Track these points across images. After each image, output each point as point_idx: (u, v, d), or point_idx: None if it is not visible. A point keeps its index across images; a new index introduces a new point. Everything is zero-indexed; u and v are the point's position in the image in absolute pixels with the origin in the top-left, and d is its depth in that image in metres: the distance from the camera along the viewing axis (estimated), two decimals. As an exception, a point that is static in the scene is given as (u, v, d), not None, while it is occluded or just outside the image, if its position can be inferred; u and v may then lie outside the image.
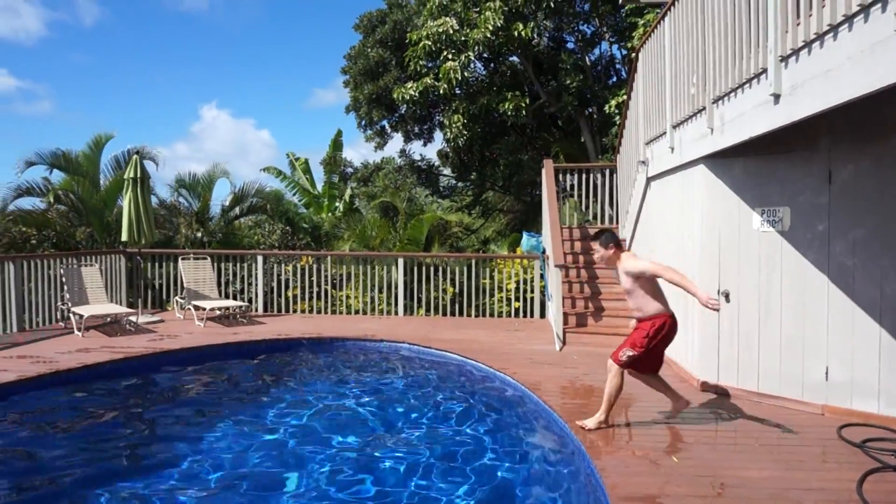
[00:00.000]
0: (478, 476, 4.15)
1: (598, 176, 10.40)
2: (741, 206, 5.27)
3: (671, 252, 6.55)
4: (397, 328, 8.70)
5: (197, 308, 9.05)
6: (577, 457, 4.25)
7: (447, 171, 18.00)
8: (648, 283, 4.50)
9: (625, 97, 11.62)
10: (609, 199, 10.29)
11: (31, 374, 5.84)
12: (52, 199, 13.04)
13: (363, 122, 16.26)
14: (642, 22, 11.96)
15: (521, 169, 15.04)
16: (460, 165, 16.67)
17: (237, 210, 15.25)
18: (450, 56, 12.97)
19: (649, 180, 7.52)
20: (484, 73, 15.41)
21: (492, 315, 10.22)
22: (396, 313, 10.16)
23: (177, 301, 9.81)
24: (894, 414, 4.54)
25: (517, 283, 10.22)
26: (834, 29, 3.39)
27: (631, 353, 4.51)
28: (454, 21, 12.97)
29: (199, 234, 13.64)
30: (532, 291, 10.01)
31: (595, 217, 10.94)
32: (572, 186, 11.17)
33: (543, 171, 9.95)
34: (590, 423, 4.54)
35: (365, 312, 10.36)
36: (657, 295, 4.54)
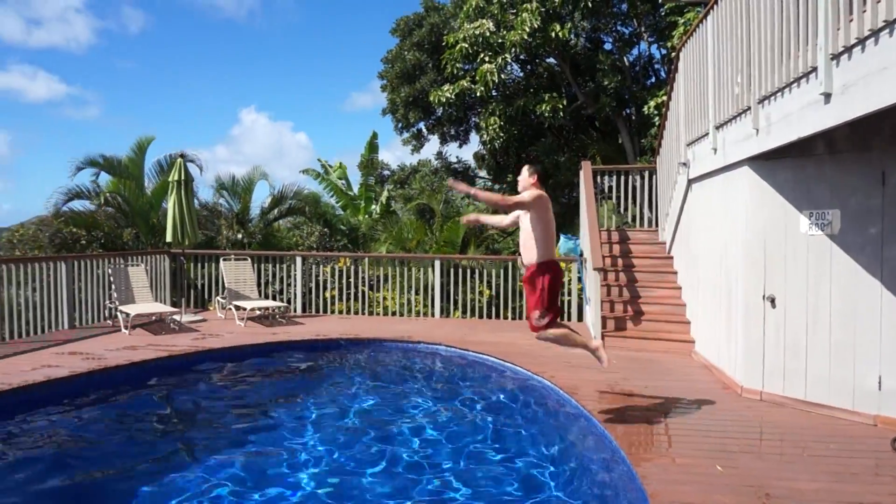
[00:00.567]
0: (513, 478, 4.13)
1: (637, 178, 10.26)
2: (787, 208, 5.13)
3: (714, 256, 6.41)
4: (434, 330, 8.72)
5: (238, 308, 9.24)
6: (616, 462, 4.19)
7: (483, 173, 17.98)
8: (546, 225, 4.60)
9: (664, 98, 11.43)
10: (648, 202, 10.14)
11: (82, 371, 6.05)
12: (100, 202, 13.48)
13: (400, 125, 16.37)
14: (682, 21, 11.76)
15: (558, 171, 14.92)
16: (496, 167, 16.63)
17: (276, 212, 15.51)
18: (486, 58, 12.97)
19: (690, 182, 7.39)
20: (520, 74, 15.37)
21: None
22: (433, 315, 10.19)
23: (218, 301, 10.03)
24: (952, 425, 4.36)
25: (554, 285, 10.12)
26: (890, 25, 3.28)
27: (542, 313, 4.72)
28: (491, 23, 12.96)
29: (240, 236, 13.92)
30: (569, 295, 9.92)
31: (634, 220, 10.79)
32: (610, 188, 11.04)
33: (581, 172, 9.85)
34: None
35: (401, 314, 10.42)
36: (551, 241, 4.67)
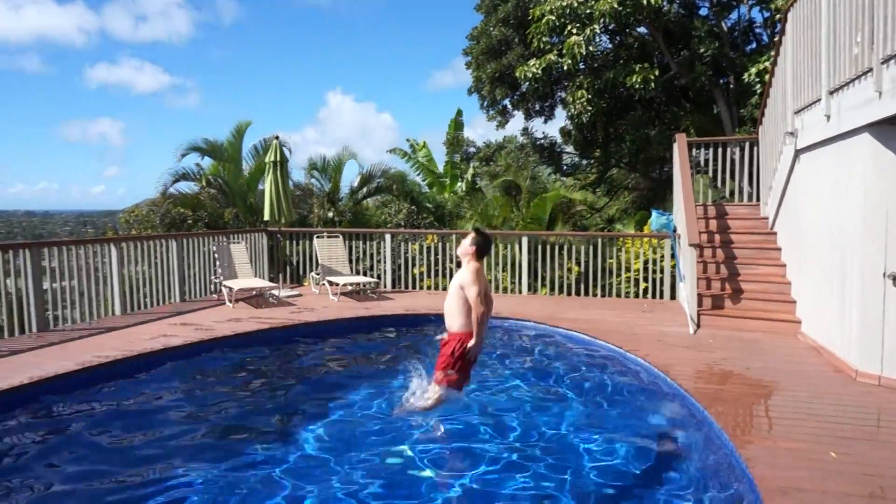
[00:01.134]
0: (606, 457, 4.09)
1: (736, 150, 9.72)
2: (914, 178, 4.71)
3: (825, 232, 6.01)
4: (522, 306, 8.71)
5: (331, 283, 9.59)
6: (716, 444, 4.06)
7: (570, 148, 17.59)
8: (474, 299, 4.51)
9: (768, 63, 10.72)
10: (748, 175, 9.60)
11: (194, 340, 6.50)
12: (203, 183, 14.31)
13: (486, 102, 16.25)
14: (790, -21, 10.91)
15: (649, 144, 14.36)
16: (583, 142, 16.21)
17: (364, 190, 15.90)
18: (574, 30, 12.59)
19: (798, 153, 6.92)
20: (609, 46, 14.82)
21: (618, 295, 9.95)
22: (520, 292, 10.17)
23: (312, 277, 10.45)
24: None
25: (645, 262, 9.85)
26: None
27: (450, 373, 4.58)
28: (579, -7, 12.54)
29: (331, 214, 14.39)
30: (661, 272, 9.61)
31: (732, 194, 10.26)
32: (706, 162, 10.53)
33: (676, 145, 9.45)
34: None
35: (488, 291, 10.45)
36: (468, 312, 4.56)
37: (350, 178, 18.83)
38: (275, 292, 9.44)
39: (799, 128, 6.84)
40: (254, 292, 9.43)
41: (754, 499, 3.17)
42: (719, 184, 10.27)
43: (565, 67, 12.94)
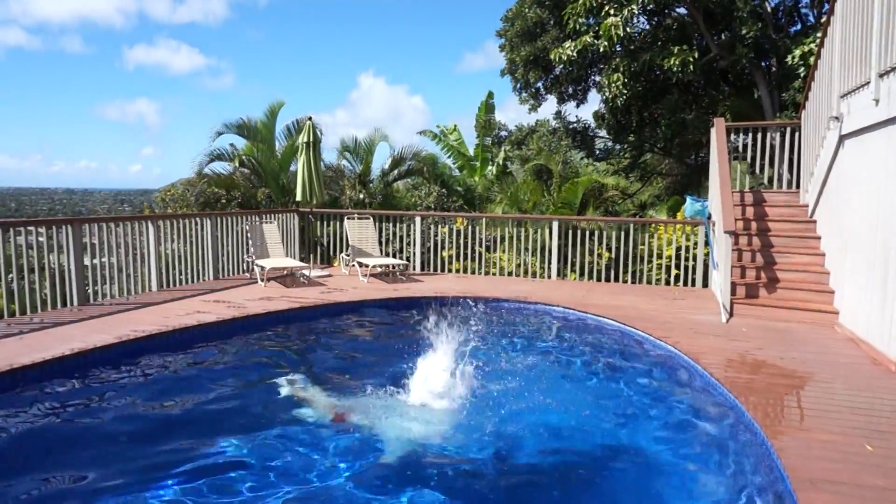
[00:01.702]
0: (643, 446, 4.06)
1: (777, 136, 9.45)
2: (966, 166, 4.52)
3: (869, 220, 5.82)
4: (551, 292, 8.66)
5: (361, 264, 9.66)
6: (747, 433, 4.00)
7: (603, 132, 17.32)
8: None
9: (813, 45, 10.37)
10: (788, 162, 9.33)
11: (228, 317, 6.63)
12: (237, 164, 14.49)
13: (519, 85, 16.06)
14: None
15: (685, 129, 14.04)
16: (617, 127, 15.93)
17: (395, 173, 15.91)
18: (611, 11, 12.32)
19: (842, 138, 6.70)
20: (647, 27, 14.48)
21: (648, 282, 9.82)
22: (549, 276, 10.11)
23: (343, 257, 10.54)
24: None
25: (677, 249, 9.69)
26: None
27: None
28: (617, -27, 12.25)
29: (362, 196, 14.45)
30: (693, 259, 9.44)
31: (770, 181, 9.99)
32: (744, 147, 10.27)
33: (713, 130, 9.22)
34: None
35: (517, 275, 10.42)
36: None
37: (381, 160, 18.91)
38: (305, 272, 9.56)
39: (844, 112, 6.61)
40: (285, 272, 9.56)
41: (786, 490, 3.12)
42: (757, 170, 10.02)
43: (601, 50, 12.69)
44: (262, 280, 8.89)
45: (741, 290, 7.55)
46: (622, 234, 9.90)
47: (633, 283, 9.82)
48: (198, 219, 9.05)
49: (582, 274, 10.17)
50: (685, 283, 9.47)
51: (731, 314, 7.15)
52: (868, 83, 5.70)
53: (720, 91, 15.22)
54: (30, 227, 6.99)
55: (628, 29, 12.39)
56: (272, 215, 10.48)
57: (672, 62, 12.32)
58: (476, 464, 3.81)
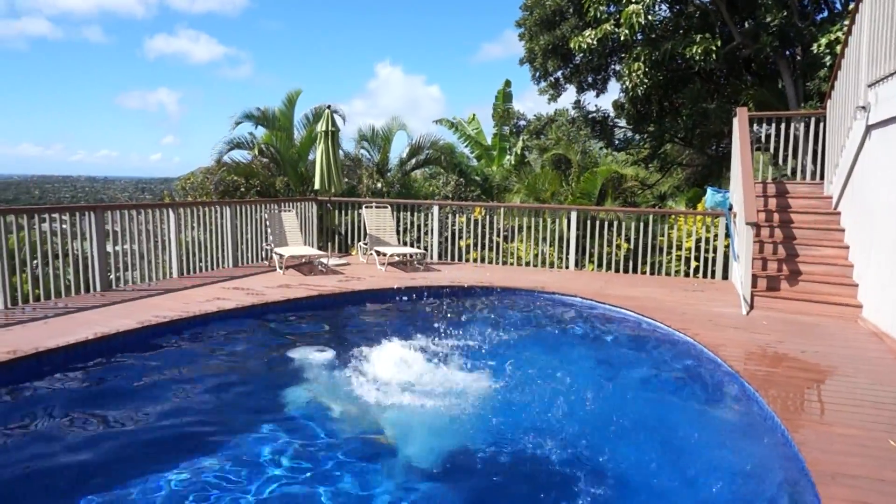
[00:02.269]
0: (661, 437, 4.04)
1: (801, 126, 9.28)
2: None
3: None
4: (569, 282, 8.63)
5: (378, 253, 9.70)
6: (767, 426, 3.96)
7: (622, 122, 17.14)
8: None
9: (840, 33, 10.16)
10: (812, 153, 9.17)
11: (247, 304, 6.70)
12: (256, 152, 14.58)
13: (537, 74, 15.93)
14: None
15: (706, 119, 13.84)
16: (637, 116, 15.76)
17: (413, 162, 15.91)
18: (632, -1, 12.16)
19: (869, 129, 6.57)
20: (669, 15, 14.27)
21: (667, 274, 9.74)
22: (567, 267, 10.07)
23: (360, 246, 10.58)
24: None
25: (697, 241, 9.59)
26: None
27: None
28: (639, -41, 12.07)
29: (379, 185, 14.48)
30: (713, 251, 9.34)
31: (793, 172, 9.83)
32: (767, 137, 10.11)
33: (736, 120, 9.09)
34: None
35: (534, 265, 10.39)
36: None
37: (399, 149, 18.89)
38: (324, 260, 9.61)
39: (872, 102, 6.47)
40: (303, 260, 9.62)
41: (806, 483, 3.10)
42: (780, 161, 9.87)
43: (622, 38, 12.53)
44: (280, 268, 8.96)
45: (762, 283, 7.46)
46: (641, 224, 9.82)
47: (652, 274, 9.74)
48: (217, 207, 9.13)
49: (600, 265, 10.12)
50: (705, 275, 9.38)
51: (751, 306, 7.08)
52: (897, 72, 5.57)
53: (743, 80, 14.97)
54: (54, 214, 7.12)
55: (650, 17, 12.22)
56: (291, 203, 10.54)
57: (694, 51, 12.14)
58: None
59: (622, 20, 12.28)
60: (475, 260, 10.77)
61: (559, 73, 16.03)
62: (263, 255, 9.91)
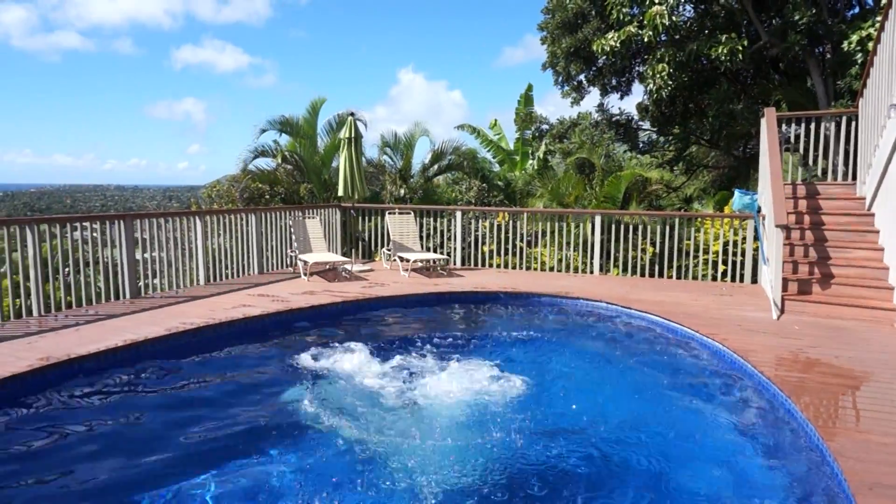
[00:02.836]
0: (693, 447, 3.97)
1: (832, 126, 9.08)
2: None
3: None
4: (594, 287, 8.54)
5: (402, 259, 9.71)
6: (800, 435, 3.86)
7: (647, 125, 16.97)
8: None
9: (872, 30, 9.93)
10: (843, 153, 8.95)
11: (272, 311, 6.75)
12: (280, 160, 14.73)
13: (560, 78, 15.85)
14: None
15: (733, 120, 13.62)
16: (661, 119, 15.58)
17: (435, 168, 15.93)
18: (656, 0, 12.05)
19: (904, 127, 6.39)
20: (693, 15, 14.10)
21: (694, 278, 9.59)
22: (591, 272, 9.97)
23: (384, 252, 10.62)
24: None
25: (725, 244, 9.42)
26: None
27: None
28: (662, -40, 11.95)
29: (402, 191, 14.53)
30: (742, 255, 9.16)
31: (824, 173, 9.61)
32: (797, 138, 9.91)
33: (764, 120, 8.93)
34: None
35: (558, 270, 10.31)
36: None
37: (421, 155, 18.96)
38: (347, 267, 9.66)
39: (905, 100, 6.30)
40: (327, 266, 9.68)
41: (843, 493, 3.00)
42: (810, 162, 9.65)
43: (645, 40, 12.41)
44: (305, 275, 9.02)
45: (793, 286, 7.30)
46: (667, 228, 9.69)
47: (679, 278, 9.60)
48: (243, 214, 9.23)
49: (625, 269, 10.00)
50: (733, 279, 9.21)
51: (782, 311, 6.92)
52: (933, 69, 5.42)
53: (771, 80, 14.74)
54: (85, 223, 7.26)
55: (674, 18, 12.09)
56: (315, 210, 10.62)
57: (720, 51, 11.98)
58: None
59: (646, 21, 12.16)
60: (498, 265, 10.72)
61: (582, 77, 15.94)
62: (288, 262, 9.99)
